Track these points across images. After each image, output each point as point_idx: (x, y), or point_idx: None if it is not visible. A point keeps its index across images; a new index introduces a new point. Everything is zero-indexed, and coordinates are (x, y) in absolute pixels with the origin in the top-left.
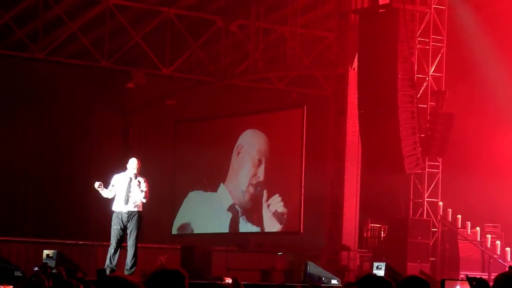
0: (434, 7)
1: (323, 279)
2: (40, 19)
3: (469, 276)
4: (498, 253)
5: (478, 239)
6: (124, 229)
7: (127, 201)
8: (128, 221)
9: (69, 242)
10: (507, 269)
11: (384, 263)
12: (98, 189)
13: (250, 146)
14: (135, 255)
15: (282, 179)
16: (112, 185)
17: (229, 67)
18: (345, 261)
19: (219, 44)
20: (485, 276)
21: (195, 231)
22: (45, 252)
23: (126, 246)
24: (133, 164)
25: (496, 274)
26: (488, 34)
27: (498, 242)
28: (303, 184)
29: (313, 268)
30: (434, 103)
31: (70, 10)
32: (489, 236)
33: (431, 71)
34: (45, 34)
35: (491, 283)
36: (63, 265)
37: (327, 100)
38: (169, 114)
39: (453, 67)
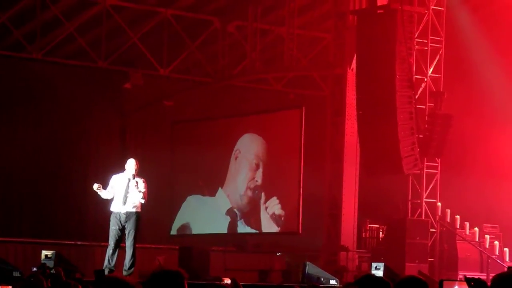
0: (432, 8)
1: (322, 279)
2: (37, 20)
3: (467, 276)
4: (497, 253)
5: (477, 240)
6: (122, 229)
7: (125, 202)
8: (126, 222)
9: (67, 242)
10: (505, 269)
11: (383, 263)
12: (97, 190)
13: (248, 150)
14: (133, 255)
15: (280, 182)
16: (111, 186)
17: (227, 68)
18: (343, 262)
19: (216, 45)
20: (483, 276)
21: (194, 232)
22: (44, 252)
23: (125, 246)
24: (131, 164)
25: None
26: (486, 35)
27: (496, 242)
28: (301, 185)
29: (311, 268)
30: (433, 104)
31: (67, 10)
32: (487, 236)
33: (430, 72)
34: (42, 35)
35: (489, 284)
36: (61, 265)
37: (325, 101)
38: (166, 115)
39: (451, 68)
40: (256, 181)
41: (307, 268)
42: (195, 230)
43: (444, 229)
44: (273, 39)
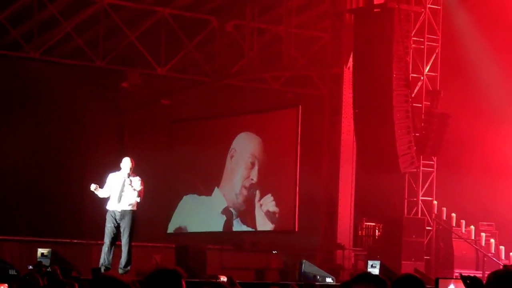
0: (429, 7)
1: (318, 277)
2: (34, 19)
3: (463, 274)
4: (493, 251)
5: (473, 238)
6: (117, 227)
7: (120, 200)
8: (121, 220)
9: (63, 240)
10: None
11: (379, 261)
12: (94, 191)
13: (243, 149)
14: (129, 253)
15: (276, 179)
16: (108, 185)
17: (224, 67)
18: (339, 260)
19: (214, 44)
20: (479, 274)
21: (190, 231)
22: (40, 250)
23: (121, 245)
24: (126, 163)
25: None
26: (483, 34)
27: (492, 240)
28: (298, 183)
29: (308, 266)
30: (429, 103)
31: (65, 10)
32: (483, 234)
33: (426, 71)
34: (40, 34)
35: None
36: (57, 264)
37: (322, 99)
38: (164, 114)
39: (448, 67)
40: (252, 179)
41: (303, 266)
42: (191, 229)
43: (440, 227)
44: (271, 38)
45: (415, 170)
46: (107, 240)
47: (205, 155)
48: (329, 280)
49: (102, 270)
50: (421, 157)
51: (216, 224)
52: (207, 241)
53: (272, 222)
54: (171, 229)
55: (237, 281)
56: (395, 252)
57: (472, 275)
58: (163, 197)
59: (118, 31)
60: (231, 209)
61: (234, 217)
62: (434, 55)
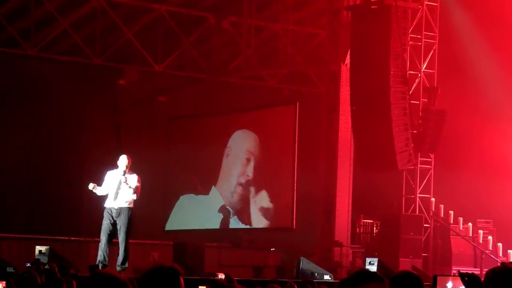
0: (426, 4)
1: (316, 275)
2: (31, 16)
3: (461, 271)
4: (490, 248)
5: (470, 235)
6: (113, 224)
7: (116, 197)
8: (117, 217)
9: (61, 238)
10: (499, 264)
11: (377, 259)
12: (92, 190)
13: (239, 146)
14: (125, 250)
15: (271, 176)
16: (106, 182)
17: (221, 64)
18: (337, 257)
19: (211, 41)
20: (477, 271)
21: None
22: (38, 248)
23: (118, 242)
24: (122, 161)
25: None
26: (480, 31)
27: (490, 237)
28: (295, 180)
29: (305, 264)
30: (426, 100)
31: (62, 6)
32: (481, 231)
33: (423, 68)
34: (37, 31)
35: (482, 279)
36: (55, 261)
37: (319, 97)
38: (161, 111)
39: (445, 64)
40: (247, 175)
41: (301, 263)
42: (189, 228)
43: (438, 224)
44: (268, 35)
45: (413, 167)
46: (103, 237)
47: (202, 153)
48: (327, 277)
49: (100, 267)
50: (419, 154)
51: (213, 223)
52: (205, 238)
53: (267, 218)
54: (168, 227)
55: (235, 278)
56: (393, 249)
57: (470, 272)
58: (161, 195)
59: (115, 28)
60: (228, 207)
61: (231, 215)
62: (432, 52)
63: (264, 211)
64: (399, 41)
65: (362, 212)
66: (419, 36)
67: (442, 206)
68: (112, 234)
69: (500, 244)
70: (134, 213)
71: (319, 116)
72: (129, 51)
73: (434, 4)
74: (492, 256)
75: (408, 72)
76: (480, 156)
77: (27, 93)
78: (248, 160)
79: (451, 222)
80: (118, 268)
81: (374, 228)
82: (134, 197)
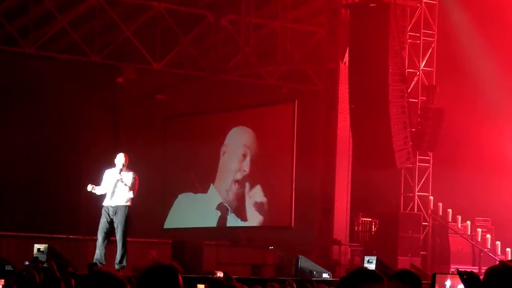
0: (425, 2)
1: (314, 273)
2: (30, 14)
3: (459, 270)
4: (489, 246)
5: (469, 233)
6: (111, 222)
7: (112, 195)
8: (114, 215)
9: (60, 236)
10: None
11: (375, 257)
12: (91, 190)
13: (236, 143)
14: (123, 249)
15: (267, 171)
16: (104, 181)
17: (220, 62)
18: (336, 256)
19: (209, 39)
20: (475, 270)
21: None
22: (36, 246)
23: (116, 240)
24: (119, 159)
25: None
26: (479, 29)
27: (488, 235)
28: (294, 179)
29: (304, 262)
30: (425, 98)
31: (60, 4)
32: (479, 230)
33: (422, 66)
34: (35, 29)
35: (481, 277)
36: (54, 259)
37: (318, 95)
38: (159, 109)
39: (444, 62)
40: (244, 170)
41: (300, 262)
42: (187, 226)
43: (437, 222)
44: (266, 33)
45: (411, 165)
46: (99, 235)
47: (201, 151)
48: (325, 275)
49: (99, 265)
50: (417, 152)
51: (211, 221)
52: (203, 236)
53: (261, 214)
54: (167, 226)
55: (233, 276)
56: (392, 247)
57: (469, 270)
58: (159, 193)
59: (113, 26)
60: (225, 204)
61: (229, 212)
62: (430, 50)
63: (258, 206)
64: (398, 39)
65: (361, 210)
66: (418, 34)
67: (440, 204)
68: (110, 233)
69: (498, 242)
70: (131, 211)
71: (318, 114)
72: (127, 49)
73: (433, 2)
74: (490, 254)
75: (406, 70)
76: (478, 154)
77: (26, 91)
78: (245, 155)
79: (450, 220)
80: (116, 267)
81: (373, 226)
82: (131, 194)
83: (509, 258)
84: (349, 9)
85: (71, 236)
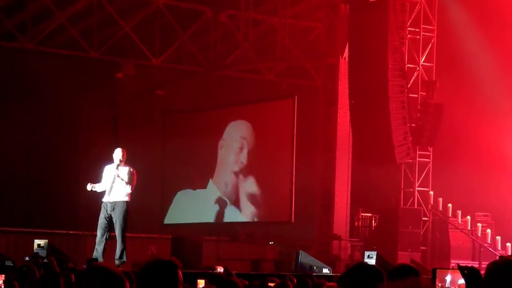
0: None
1: (314, 268)
2: (28, 10)
3: (460, 265)
4: (489, 242)
5: (469, 228)
6: (109, 218)
7: (110, 191)
8: (112, 211)
9: (59, 232)
10: (497, 258)
11: (375, 252)
12: (92, 189)
13: (232, 136)
14: (122, 244)
15: (264, 164)
16: (104, 177)
17: (219, 57)
18: (336, 251)
19: (208, 34)
20: (475, 265)
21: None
22: (36, 242)
23: (115, 236)
24: (116, 154)
25: (486, 263)
26: (478, 25)
27: (488, 230)
28: (294, 174)
29: (304, 257)
30: (425, 93)
31: (59, 0)
32: (479, 225)
33: (422, 61)
34: (34, 25)
35: (481, 272)
36: (53, 255)
37: (317, 90)
38: (158, 104)
39: (443, 57)
40: (242, 162)
41: (300, 257)
42: (187, 221)
43: (437, 217)
44: (266, 28)
45: (411, 160)
46: (98, 231)
47: (200, 146)
48: (325, 270)
49: (98, 261)
50: (417, 147)
51: (211, 216)
52: (203, 232)
53: (253, 205)
54: (166, 222)
55: (233, 272)
56: (392, 242)
57: (469, 265)
58: (159, 189)
59: (112, 21)
60: (224, 198)
61: (227, 205)
62: (430, 45)
63: (251, 197)
64: (397, 34)
65: (361, 205)
66: (418, 30)
67: (440, 199)
68: (109, 228)
69: (498, 237)
70: (130, 207)
71: (317, 109)
72: (126, 44)
73: None
74: (490, 249)
75: (406, 65)
76: (477, 149)
77: (24, 87)
78: (241, 148)
79: (450, 215)
80: (116, 262)
81: (373, 221)
82: (129, 190)
83: (510, 253)
84: (348, 4)
85: (71, 232)
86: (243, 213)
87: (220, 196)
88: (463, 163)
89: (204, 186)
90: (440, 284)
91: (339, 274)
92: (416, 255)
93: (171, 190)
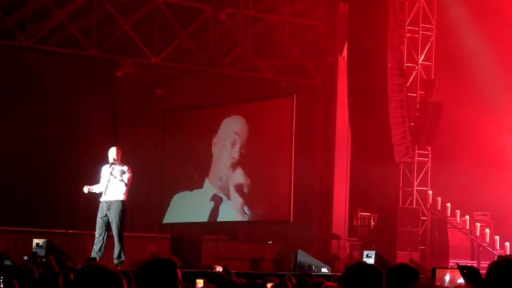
0: None
1: (313, 267)
2: (27, 7)
3: (460, 264)
4: (487, 241)
5: (467, 228)
6: (106, 218)
7: (106, 190)
8: (108, 210)
9: (58, 231)
10: (496, 257)
11: (374, 251)
12: (90, 191)
13: (226, 133)
14: (120, 243)
15: (263, 164)
16: (101, 177)
17: (218, 56)
18: (335, 250)
19: (208, 32)
20: (474, 264)
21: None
22: (35, 241)
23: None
24: (111, 153)
25: (485, 262)
26: (477, 23)
27: (487, 230)
28: (292, 173)
29: (303, 256)
30: (424, 92)
31: None
32: (478, 224)
33: (421, 60)
34: (33, 23)
35: (480, 271)
36: (52, 254)
37: (316, 89)
38: (158, 103)
39: (442, 56)
40: (233, 157)
41: (298, 256)
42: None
43: (435, 217)
44: (265, 27)
45: (410, 159)
46: (96, 232)
47: (199, 145)
48: (324, 270)
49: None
50: (416, 146)
51: (206, 214)
52: (202, 231)
53: (240, 195)
54: (165, 221)
55: (232, 271)
56: (390, 242)
57: (469, 265)
58: (158, 187)
59: (112, 20)
60: (219, 194)
61: (223, 202)
62: (429, 44)
63: (238, 188)
64: (396, 33)
65: (360, 205)
66: (417, 28)
67: (439, 199)
68: (105, 228)
69: (497, 237)
70: (126, 205)
71: (316, 108)
72: (126, 43)
73: None
74: (489, 249)
75: (405, 64)
76: (476, 148)
77: (24, 85)
78: (234, 143)
79: (448, 215)
80: (115, 262)
81: (372, 221)
82: (123, 188)
83: (508, 253)
84: (347, 2)
85: (70, 231)
86: (235, 207)
87: (215, 193)
88: (462, 163)
89: (201, 185)
90: (439, 283)
91: (338, 274)
92: (415, 254)
93: (171, 189)
